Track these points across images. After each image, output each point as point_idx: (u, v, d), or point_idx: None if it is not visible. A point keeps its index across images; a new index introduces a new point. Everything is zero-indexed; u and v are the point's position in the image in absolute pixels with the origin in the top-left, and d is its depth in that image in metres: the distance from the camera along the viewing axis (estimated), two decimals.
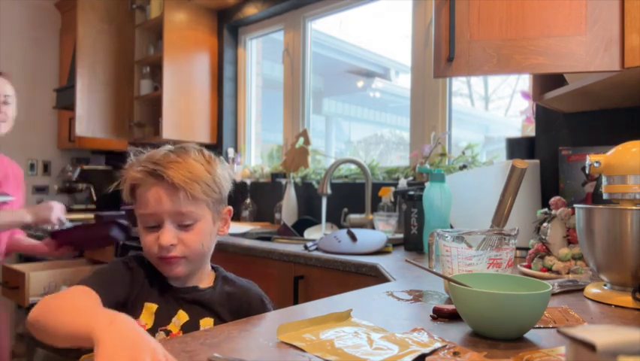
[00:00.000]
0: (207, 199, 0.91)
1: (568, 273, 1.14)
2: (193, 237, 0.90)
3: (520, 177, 0.97)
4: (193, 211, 0.90)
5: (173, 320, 0.90)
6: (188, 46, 3.03)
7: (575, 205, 0.99)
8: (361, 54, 3.27)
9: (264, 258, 1.73)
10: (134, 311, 0.89)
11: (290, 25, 2.86)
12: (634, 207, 0.87)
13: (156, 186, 0.88)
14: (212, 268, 1.00)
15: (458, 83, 2.43)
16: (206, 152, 0.96)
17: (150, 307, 0.90)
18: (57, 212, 1.76)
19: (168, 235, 0.87)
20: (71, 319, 0.70)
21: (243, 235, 2.18)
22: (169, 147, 0.95)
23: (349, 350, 0.62)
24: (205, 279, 0.97)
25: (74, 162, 3.91)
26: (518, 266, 1.26)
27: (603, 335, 0.38)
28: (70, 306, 0.75)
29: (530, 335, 0.70)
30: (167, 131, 2.92)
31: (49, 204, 1.76)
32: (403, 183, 2.05)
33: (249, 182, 2.81)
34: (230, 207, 1.00)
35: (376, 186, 2.20)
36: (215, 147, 3.10)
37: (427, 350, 0.62)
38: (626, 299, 0.87)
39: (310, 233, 2.09)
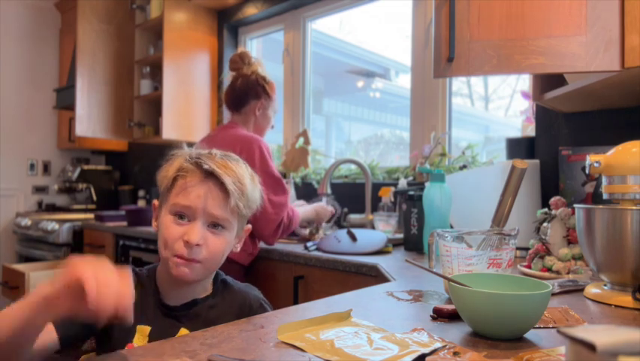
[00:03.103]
0: (243, 213, 0.92)
1: (568, 273, 1.14)
2: (218, 242, 0.89)
3: (520, 177, 0.97)
4: (227, 219, 0.90)
5: None
6: (188, 46, 3.03)
7: (575, 205, 0.99)
8: (361, 54, 3.27)
9: (264, 258, 1.73)
10: (126, 334, 0.85)
11: (290, 25, 2.85)
12: (634, 207, 0.87)
13: (204, 183, 0.88)
14: None
15: (458, 83, 2.43)
16: (250, 168, 0.96)
17: (143, 330, 0.87)
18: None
19: (198, 233, 0.86)
20: (18, 305, 0.63)
21: None
22: (218, 150, 0.94)
23: (349, 350, 0.62)
24: (206, 287, 0.96)
25: (74, 162, 3.91)
26: (518, 266, 1.26)
27: (603, 335, 0.38)
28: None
29: (530, 335, 0.70)
30: (167, 131, 2.92)
31: (327, 208, 2.02)
32: (403, 183, 2.05)
33: None
34: (250, 227, 1.00)
35: (376, 186, 2.20)
36: None
37: (427, 350, 0.62)
38: (626, 299, 0.87)
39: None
